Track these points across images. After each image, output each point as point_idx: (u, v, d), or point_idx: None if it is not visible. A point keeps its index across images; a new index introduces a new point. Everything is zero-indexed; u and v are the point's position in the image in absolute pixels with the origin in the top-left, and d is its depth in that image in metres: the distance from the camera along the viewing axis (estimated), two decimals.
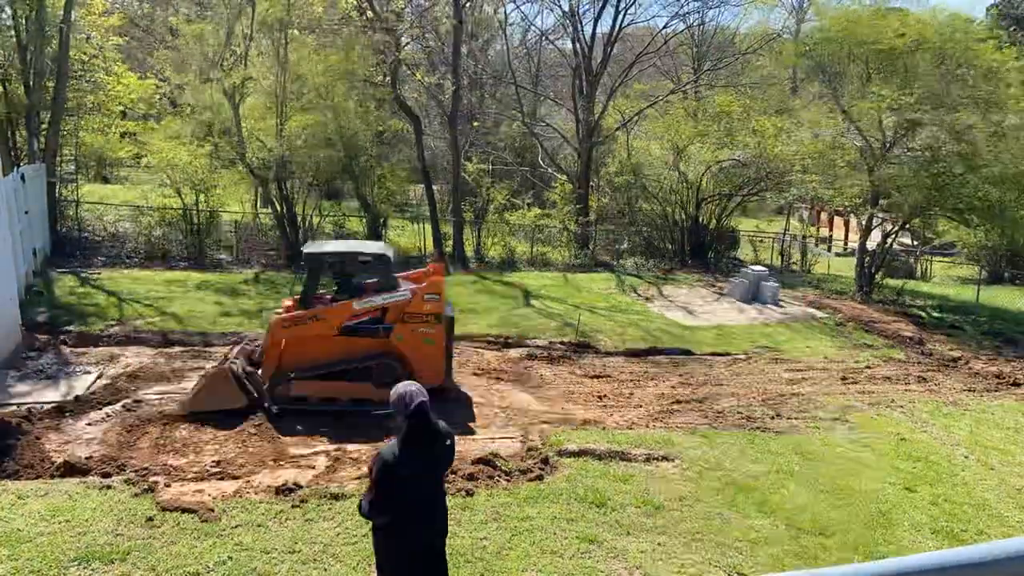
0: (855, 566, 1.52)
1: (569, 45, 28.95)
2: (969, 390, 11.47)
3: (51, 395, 8.70)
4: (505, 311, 14.65)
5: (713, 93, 26.22)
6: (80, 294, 13.37)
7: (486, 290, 16.91)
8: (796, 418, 9.46)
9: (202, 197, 18.43)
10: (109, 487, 6.34)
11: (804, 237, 26.37)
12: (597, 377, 11.08)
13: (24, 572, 5.01)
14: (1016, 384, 11.97)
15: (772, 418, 9.40)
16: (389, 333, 8.81)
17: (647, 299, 17.04)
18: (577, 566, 5.55)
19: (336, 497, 6.38)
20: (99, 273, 15.24)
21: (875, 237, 20.84)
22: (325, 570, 5.28)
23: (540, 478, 7.10)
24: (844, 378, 11.80)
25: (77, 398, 8.60)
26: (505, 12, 31.38)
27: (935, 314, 17.47)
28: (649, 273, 20.68)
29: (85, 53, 19.16)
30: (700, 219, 23.22)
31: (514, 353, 11.95)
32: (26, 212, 13.40)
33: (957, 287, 23.24)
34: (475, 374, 10.72)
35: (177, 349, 10.90)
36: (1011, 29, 25.26)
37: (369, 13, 19.94)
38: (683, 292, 18.02)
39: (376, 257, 9.00)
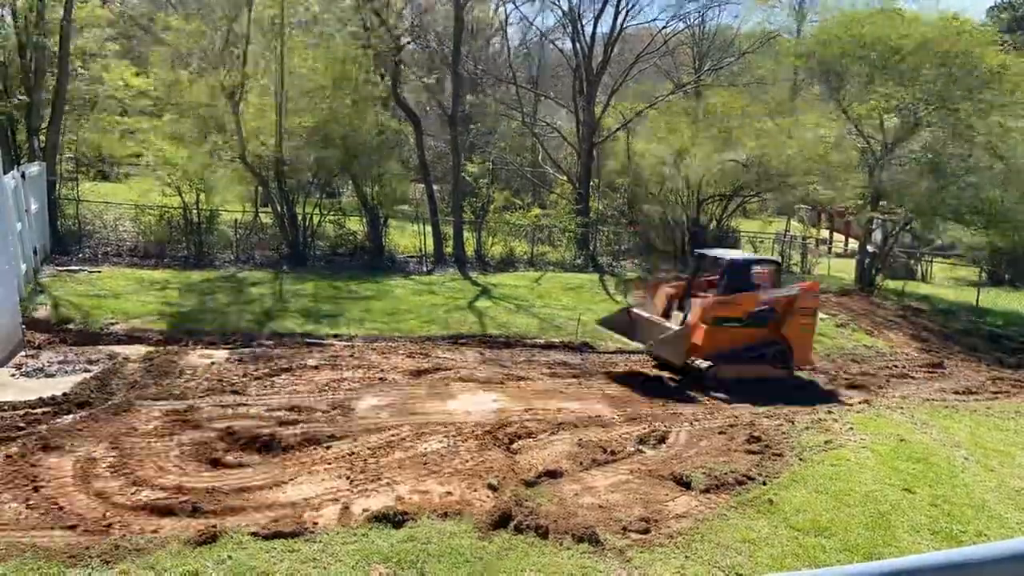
0: (855, 567, 1.52)
1: (569, 45, 28.98)
2: (968, 392, 11.48)
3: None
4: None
5: (714, 93, 26.19)
6: (80, 292, 13.36)
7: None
8: (795, 419, 9.46)
9: (202, 196, 18.41)
10: None
11: (804, 238, 26.37)
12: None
13: (24, 572, 5.01)
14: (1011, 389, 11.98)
15: (771, 419, 9.40)
16: None
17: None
18: (576, 566, 5.55)
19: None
20: (99, 271, 15.22)
21: (875, 239, 20.85)
22: (325, 569, 5.28)
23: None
24: (843, 379, 11.82)
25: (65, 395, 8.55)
26: (506, 12, 31.40)
27: (935, 316, 17.47)
28: (641, 274, 20.62)
29: (85, 50, 19.10)
30: (700, 220, 23.21)
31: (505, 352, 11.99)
32: (26, 211, 13.40)
33: (957, 289, 23.24)
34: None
35: (175, 348, 10.91)
36: (1017, 33, 25.24)
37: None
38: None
39: None
